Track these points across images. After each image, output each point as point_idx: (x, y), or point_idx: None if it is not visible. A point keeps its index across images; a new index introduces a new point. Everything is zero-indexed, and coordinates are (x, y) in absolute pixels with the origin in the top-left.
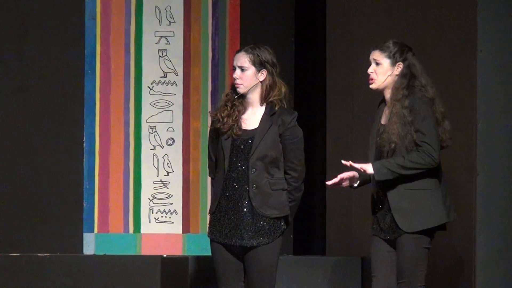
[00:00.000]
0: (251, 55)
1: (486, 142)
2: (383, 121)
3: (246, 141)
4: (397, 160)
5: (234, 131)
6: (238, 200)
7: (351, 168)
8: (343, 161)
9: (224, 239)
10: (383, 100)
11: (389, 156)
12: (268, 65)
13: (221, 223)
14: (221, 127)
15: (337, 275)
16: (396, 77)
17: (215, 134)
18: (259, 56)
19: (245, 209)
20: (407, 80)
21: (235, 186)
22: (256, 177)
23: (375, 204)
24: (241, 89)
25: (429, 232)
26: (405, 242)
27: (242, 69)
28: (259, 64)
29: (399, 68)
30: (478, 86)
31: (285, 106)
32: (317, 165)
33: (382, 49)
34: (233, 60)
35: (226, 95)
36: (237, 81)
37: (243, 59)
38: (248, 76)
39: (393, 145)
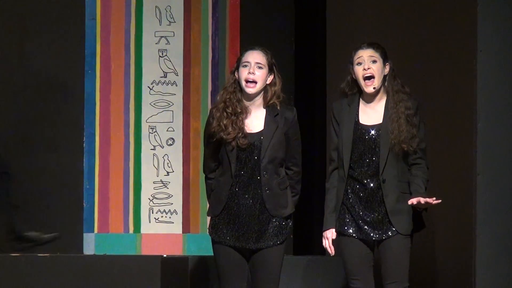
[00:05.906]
0: (267, 56)
1: (486, 142)
2: (364, 121)
3: (252, 144)
4: (423, 180)
5: (240, 141)
6: (251, 204)
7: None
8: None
9: (235, 243)
10: (345, 97)
11: (395, 157)
12: (275, 69)
13: (231, 226)
14: (225, 137)
15: (337, 275)
16: (385, 78)
17: (215, 141)
18: (271, 59)
19: (258, 212)
20: (399, 81)
21: (246, 190)
22: (267, 180)
23: (355, 204)
24: (254, 89)
25: (412, 234)
26: (397, 243)
27: (260, 66)
28: (270, 67)
29: (387, 68)
30: (478, 86)
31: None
32: (317, 165)
33: (374, 47)
34: (244, 57)
35: (225, 102)
36: (252, 77)
37: (261, 57)
38: (263, 75)
39: (405, 147)
